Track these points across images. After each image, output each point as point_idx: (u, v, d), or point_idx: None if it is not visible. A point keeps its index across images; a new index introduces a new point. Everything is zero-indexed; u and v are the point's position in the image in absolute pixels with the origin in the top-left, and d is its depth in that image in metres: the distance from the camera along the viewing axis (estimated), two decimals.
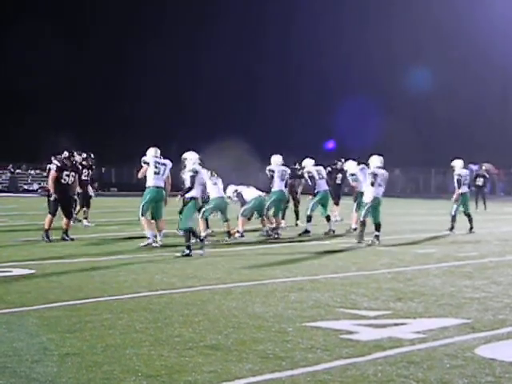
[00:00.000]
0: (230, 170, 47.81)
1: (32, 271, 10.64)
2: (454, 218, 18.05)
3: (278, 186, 16.68)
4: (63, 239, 15.10)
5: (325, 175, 17.98)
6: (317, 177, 17.53)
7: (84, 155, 19.42)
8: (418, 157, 51.40)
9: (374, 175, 15.23)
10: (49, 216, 15.07)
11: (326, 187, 17.80)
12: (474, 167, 41.54)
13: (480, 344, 6.43)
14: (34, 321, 7.21)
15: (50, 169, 15.40)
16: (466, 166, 19.42)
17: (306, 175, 17.95)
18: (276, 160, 16.97)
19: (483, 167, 33.06)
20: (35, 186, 49.28)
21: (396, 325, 7.20)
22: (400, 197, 41.84)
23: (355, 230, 17.05)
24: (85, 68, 63.51)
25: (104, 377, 5.40)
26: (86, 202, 18.85)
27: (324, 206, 17.58)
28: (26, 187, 48.71)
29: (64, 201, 15.17)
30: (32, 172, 53.02)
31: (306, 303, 8.26)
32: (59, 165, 15.12)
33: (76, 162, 16.13)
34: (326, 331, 6.86)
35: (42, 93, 61.32)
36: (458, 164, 18.65)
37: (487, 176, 31.34)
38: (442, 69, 54.89)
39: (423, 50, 56.53)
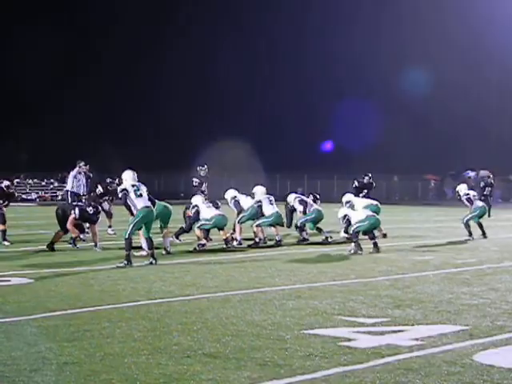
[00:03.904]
0: (228, 172, 47.95)
1: (30, 280, 10.64)
2: (467, 225, 18.31)
3: (270, 210, 16.91)
4: (74, 245, 15.59)
5: None
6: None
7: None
8: (415, 163, 51.45)
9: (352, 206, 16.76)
10: (59, 233, 15.46)
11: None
12: (472, 173, 41.57)
13: (478, 351, 6.44)
14: (33, 330, 7.21)
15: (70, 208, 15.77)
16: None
17: None
18: (260, 191, 17.31)
19: (487, 174, 33.02)
20: (33, 196, 49.24)
21: (394, 332, 7.20)
22: (398, 204, 41.86)
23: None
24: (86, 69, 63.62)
25: None
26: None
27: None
28: (24, 196, 48.61)
29: (82, 218, 15.54)
30: (30, 181, 52.97)
31: (304, 311, 8.27)
32: (78, 215, 15.31)
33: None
34: (324, 339, 6.86)
35: (41, 95, 61.35)
36: (461, 187, 19.23)
37: (494, 184, 31.64)
38: (440, 72, 55.01)
39: (422, 52, 56.67)
